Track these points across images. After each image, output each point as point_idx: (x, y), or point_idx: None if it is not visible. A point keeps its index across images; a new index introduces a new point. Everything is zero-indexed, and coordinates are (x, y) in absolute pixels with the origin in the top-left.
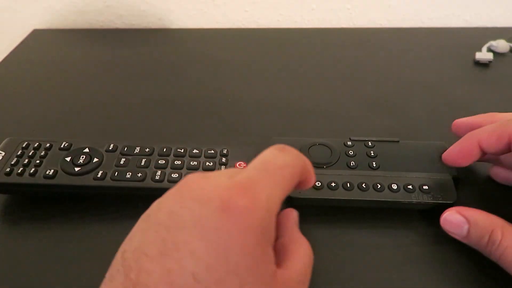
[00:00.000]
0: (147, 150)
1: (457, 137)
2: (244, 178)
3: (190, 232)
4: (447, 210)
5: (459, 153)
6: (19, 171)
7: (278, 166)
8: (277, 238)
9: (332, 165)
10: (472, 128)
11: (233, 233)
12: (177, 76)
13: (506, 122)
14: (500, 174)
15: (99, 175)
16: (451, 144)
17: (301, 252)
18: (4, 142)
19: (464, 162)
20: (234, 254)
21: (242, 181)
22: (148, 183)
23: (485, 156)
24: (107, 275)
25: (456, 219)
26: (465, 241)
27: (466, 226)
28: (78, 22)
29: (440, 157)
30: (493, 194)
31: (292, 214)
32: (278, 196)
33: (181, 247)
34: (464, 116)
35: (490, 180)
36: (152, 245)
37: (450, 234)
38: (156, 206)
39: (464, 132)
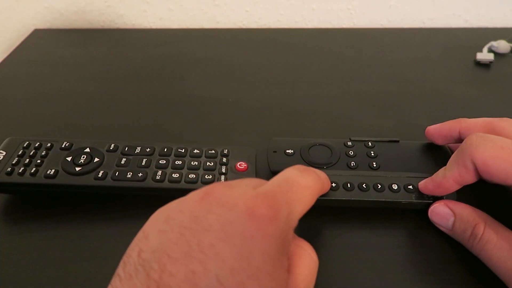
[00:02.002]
0: (147, 150)
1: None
2: (268, 190)
3: (216, 235)
4: (435, 202)
5: (433, 187)
6: (20, 170)
7: (300, 186)
8: None
9: (332, 165)
10: (443, 134)
11: (256, 238)
12: (178, 76)
13: (463, 150)
14: None
15: (100, 175)
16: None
17: (306, 258)
18: (5, 141)
19: (443, 194)
20: (256, 259)
21: (267, 193)
22: (149, 183)
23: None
24: (121, 273)
25: (443, 211)
26: (450, 233)
27: (451, 219)
28: (79, 22)
29: (440, 157)
30: (493, 194)
31: None
32: (297, 213)
33: (206, 250)
34: (464, 117)
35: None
36: (175, 246)
37: (437, 226)
38: (177, 208)
39: (437, 138)
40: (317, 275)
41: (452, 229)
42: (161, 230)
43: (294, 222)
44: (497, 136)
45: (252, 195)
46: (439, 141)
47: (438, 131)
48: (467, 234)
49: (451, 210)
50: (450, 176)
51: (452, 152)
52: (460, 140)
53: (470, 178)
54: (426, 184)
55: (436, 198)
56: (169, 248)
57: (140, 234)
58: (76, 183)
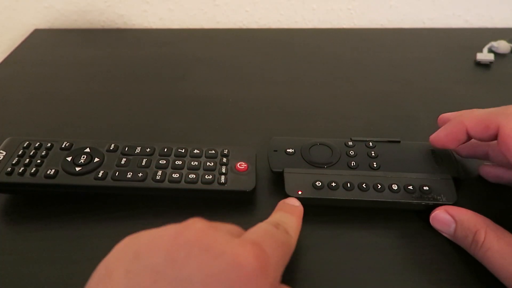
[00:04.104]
0: (148, 150)
1: None
2: (254, 240)
3: None
4: (436, 208)
5: (447, 137)
6: (20, 170)
7: (282, 241)
8: None
9: (332, 165)
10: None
11: None
12: (178, 76)
13: (495, 112)
14: (490, 172)
15: (100, 175)
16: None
17: None
18: (5, 141)
19: (451, 146)
20: None
21: (253, 242)
22: (149, 183)
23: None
24: None
25: (444, 218)
26: (453, 239)
27: (453, 225)
28: (79, 22)
29: (441, 157)
30: (493, 194)
31: None
32: (281, 267)
33: None
34: None
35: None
36: None
37: (439, 231)
38: (150, 244)
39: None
40: (318, 275)
41: (454, 235)
42: (128, 270)
43: (279, 276)
44: None
45: (240, 242)
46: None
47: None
48: (468, 241)
49: (452, 216)
50: (465, 123)
51: (453, 154)
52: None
53: (480, 136)
54: (437, 134)
55: (436, 200)
56: None
57: (101, 269)
58: (76, 183)
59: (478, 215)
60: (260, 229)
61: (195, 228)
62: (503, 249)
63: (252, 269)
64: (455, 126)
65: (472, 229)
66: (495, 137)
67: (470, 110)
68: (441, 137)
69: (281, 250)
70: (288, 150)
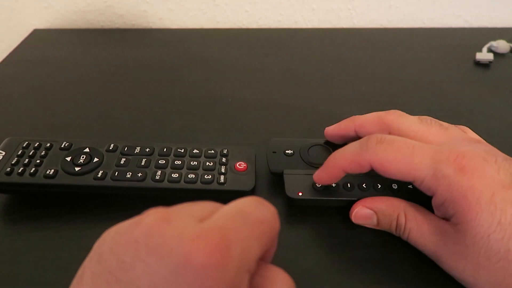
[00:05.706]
0: (147, 150)
1: None
2: (215, 226)
3: None
4: (354, 206)
5: (329, 177)
6: (19, 170)
7: (257, 219)
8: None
9: None
10: (340, 134)
11: None
12: (178, 76)
13: (360, 150)
14: None
15: (99, 175)
16: None
17: (281, 279)
18: (4, 141)
19: (333, 182)
20: None
21: (212, 230)
22: (148, 183)
23: None
24: None
25: (365, 212)
26: (378, 228)
27: (374, 217)
28: (79, 22)
29: None
30: None
31: None
32: (255, 252)
33: None
34: (464, 117)
35: None
36: None
37: (364, 225)
38: (110, 244)
39: (335, 139)
40: (318, 275)
41: (379, 225)
42: (93, 273)
43: (250, 264)
44: (394, 136)
45: (192, 235)
46: (338, 142)
47: (336, 132)
48: (393, 226)
49: (371, 208)
50: (340, 164)
51: None
52: (356, 138)
53: (357, 172)
54: (318, 175)
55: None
56: None
57: (80, 270)
58: (76, 183)
59: (393, 199)
60: (234, 208)
61: (145, 224)
62: (422, 228)
63: (203, 266)
64: (333, 168)
65: (392, 214)
66: (370, 169)
67: (342, 148)
68: (323, 178)
69: (256, 230)
70: (287, 151)
